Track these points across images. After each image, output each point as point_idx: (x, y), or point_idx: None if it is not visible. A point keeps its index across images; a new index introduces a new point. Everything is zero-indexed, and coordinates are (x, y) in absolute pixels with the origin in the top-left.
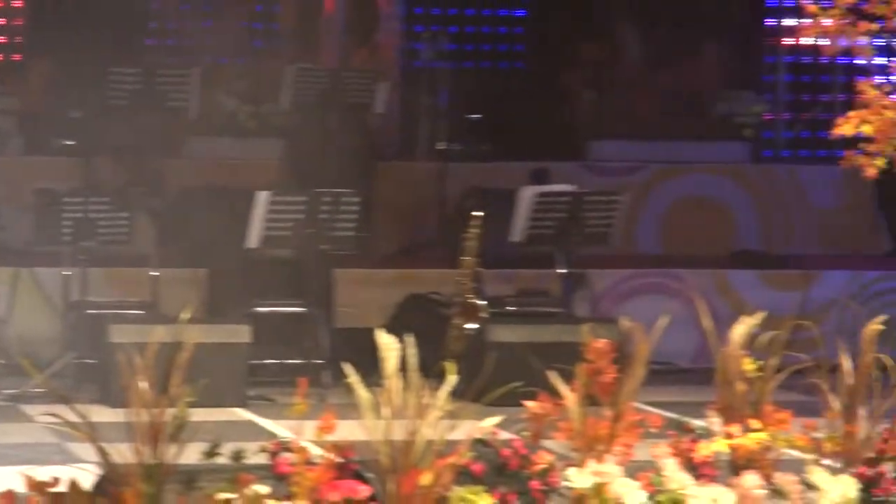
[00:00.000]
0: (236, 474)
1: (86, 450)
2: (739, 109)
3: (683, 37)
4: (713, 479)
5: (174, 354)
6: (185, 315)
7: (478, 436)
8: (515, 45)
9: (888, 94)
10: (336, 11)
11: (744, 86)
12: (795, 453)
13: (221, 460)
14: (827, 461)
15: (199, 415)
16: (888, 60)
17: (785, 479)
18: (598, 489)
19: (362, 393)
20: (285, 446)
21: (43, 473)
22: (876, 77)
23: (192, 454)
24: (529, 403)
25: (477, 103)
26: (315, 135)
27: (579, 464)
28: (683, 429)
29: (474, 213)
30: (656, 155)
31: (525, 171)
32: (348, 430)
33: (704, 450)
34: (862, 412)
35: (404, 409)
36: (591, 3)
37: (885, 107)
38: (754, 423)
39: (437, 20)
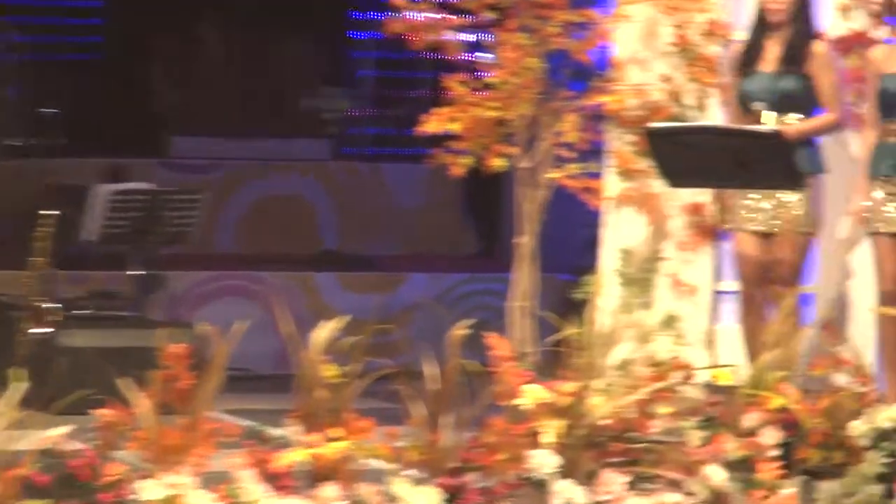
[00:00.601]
0: None
1: None
2: (323, 105)
3: (267, 31)
4: (292, 490)
5: None
6: None
7: (45, 446)
8: (93, 37)
9: (476, 90)
10: None
11: (328, 81)
12: (377, 463)
13: None
14: (410, 471)
15: None
16: (476, 56)
17: (366, 490)
18: (171, 501)
19: None
20: None
21: None
22: (464, 73)
23: None
24: (100, 412)
25: (52, 97)
26: None
27: (152, 475)
28: (261, 438)
29: (45, 212)
30: (238, 152)
31: (102, 168)
32: None
33: (283, 460)
34: (446, 420)
35: None
36: None
37: (472, 104)
38: (335, 432)
39: (5, 10)
